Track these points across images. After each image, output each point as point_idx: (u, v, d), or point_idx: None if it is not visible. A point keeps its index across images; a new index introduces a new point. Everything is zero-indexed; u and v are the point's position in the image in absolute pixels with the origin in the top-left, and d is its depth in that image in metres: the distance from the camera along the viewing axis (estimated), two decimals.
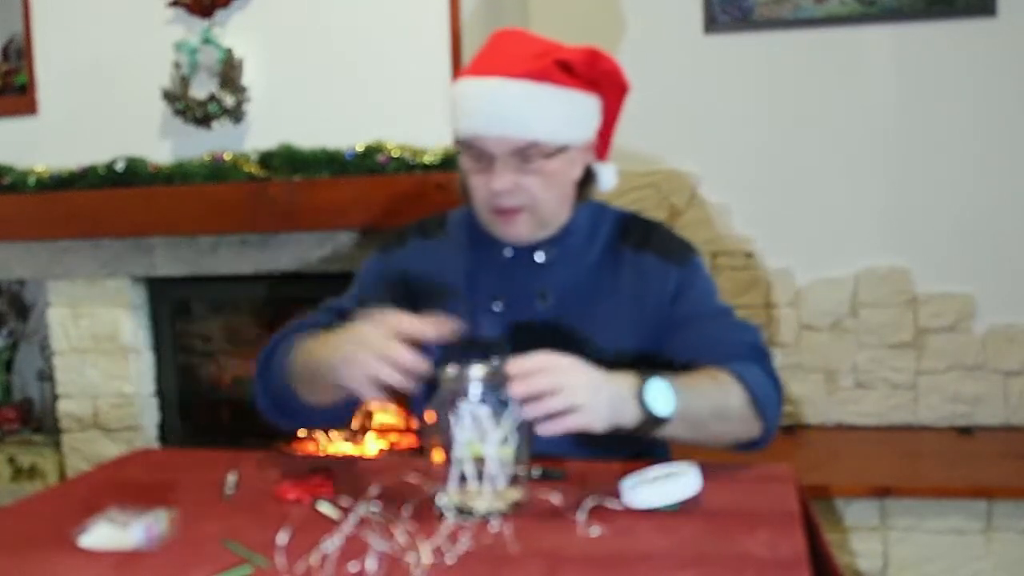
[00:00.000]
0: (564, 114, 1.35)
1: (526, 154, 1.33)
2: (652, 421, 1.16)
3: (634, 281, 1.42)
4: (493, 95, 1.33)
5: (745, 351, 1.36)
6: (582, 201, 1.45)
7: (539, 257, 1.42)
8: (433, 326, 1.15)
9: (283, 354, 1.36)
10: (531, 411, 1.08)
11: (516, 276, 1.42)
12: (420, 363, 1.12)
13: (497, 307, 1.41)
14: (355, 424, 2.80)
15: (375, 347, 1.13)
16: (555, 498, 1.13)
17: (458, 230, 1.50)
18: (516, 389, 1.08)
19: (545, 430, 1.09)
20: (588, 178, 1.44)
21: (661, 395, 1.16)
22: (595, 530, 1.04)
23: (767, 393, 1.32)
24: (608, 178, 1.46)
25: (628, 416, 1.15)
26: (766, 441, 1.37)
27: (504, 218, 1.38)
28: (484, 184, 1.36)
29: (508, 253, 1.43)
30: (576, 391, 1.09)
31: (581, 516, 1.07)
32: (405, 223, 1.58)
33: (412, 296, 1.43)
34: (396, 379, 1.12)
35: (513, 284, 1.42)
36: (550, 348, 1.36)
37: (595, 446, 1.38)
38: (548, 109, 1.33)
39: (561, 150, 1.35)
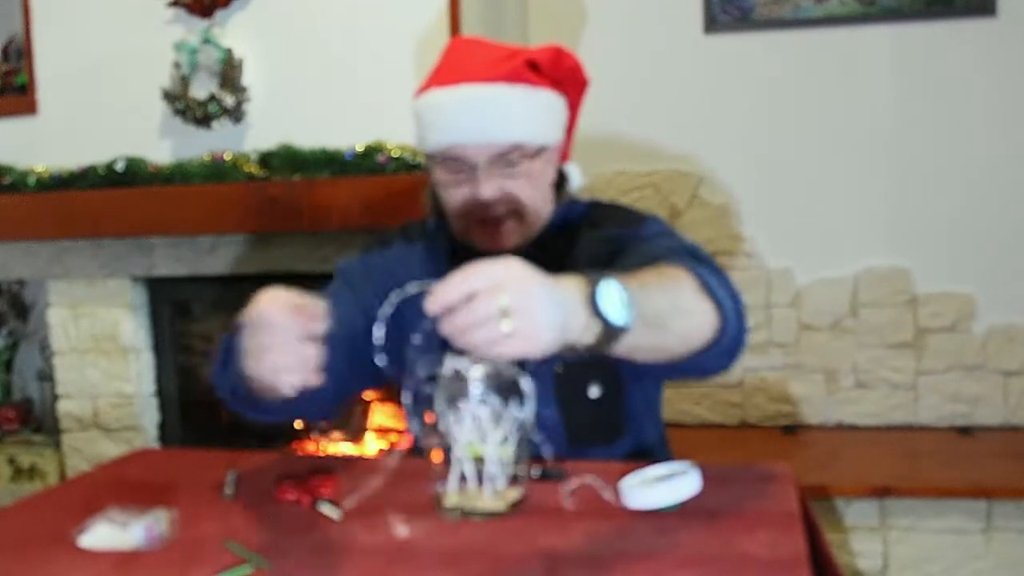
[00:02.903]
0: (540, 114, 1.34)
1: (509, 158, 1.32)
2: (610, 333, 0.98)
3: (601, 258, 1.36)
4: (470, 102, 1.31)
5: (681, 253, 1.26)
6: (559, 204, 1.44)
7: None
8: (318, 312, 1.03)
9: (231, 356, 1.25)
10: (463, 344, 0.91)
11: None
12: (311, 358, 1.02)
13: None
14: (348, 419, 2.80)
15: (274, 347, 1.02)
16: (554, 499, 1.13)
17: (437, 236, 1.48)
18: (444, 327, 0.91)
19: (483, 356, 0.93)
20: (561, 180, 1.44)
21: (615, 297, 0.98)
22: (595, 530, 1.04)
23: (716, 282, 1.19)
24: (576, 178, 1.46)
25: (578, 328, 0.95)
26: (731, 341, 1.22)
27: (490, 230, 1.35)
28: (468, 195, 1.33)
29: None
30: (525, 314, 0.89)
31: (579, 516, 1.07)
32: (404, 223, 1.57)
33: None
34: (288, 362, 1.01)
35: None
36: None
37: (593, 443, 1.38)
38: (526, 110, 1.32)
39: (542, 150, 1.35)
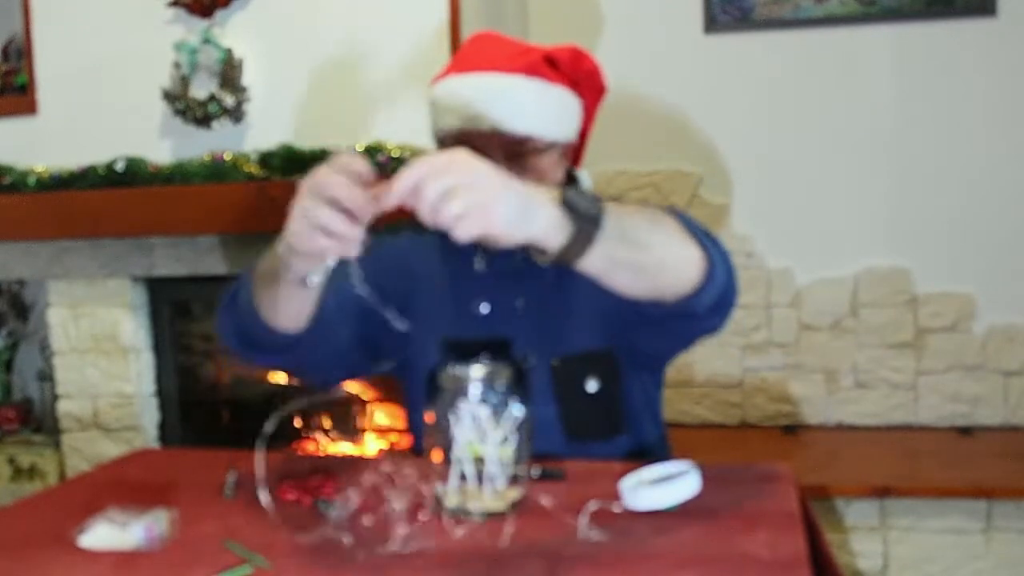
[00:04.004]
0: (553, 110, 1.34)
1: (518, 151, 1.32)
2: (584, 227, 0.97)
3: None
4: (485, 90, 1.32)
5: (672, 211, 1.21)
6: None
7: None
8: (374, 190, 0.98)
9: (246, 276, 1.24)
10: (429, 219, 0.92)
11: (499, 279, 1.40)
12: (362, 201, 0.96)
13: (485, 309, 1.40)
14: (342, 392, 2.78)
15: (317, 189, 0.98)
16: (554, 498, 1.13)
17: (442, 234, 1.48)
18: (408, 200, 0.92)
19: (455, 235, 0.92)
20: (569, 182, 1.44)
21: (588, 196, 0.98)
22: (595, 531, 1.04)
23: (699, 230, 1.17)
24: (586, 183, 1.46)
25: (547, 225, 0.95)
26: (721, 288, 1.18)
27: None
28: None
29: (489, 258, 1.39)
30: (473, 189, 0.90)
31: (581, 517, 1.07)
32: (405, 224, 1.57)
33: (401, 286, 1.42)
34: (337, 223, 0.96)
35: (497, 286, 1.41)
36: (537, 348, 1.36)
37: (591, 439, 1.38)
38: (540, 104, 1.32)
39: (551, 146, 1.35)
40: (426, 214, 0.91)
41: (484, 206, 0.91)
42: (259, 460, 1.15)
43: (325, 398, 2.78)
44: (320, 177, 0.98)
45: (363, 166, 0.99)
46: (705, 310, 1.17)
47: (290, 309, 1.17)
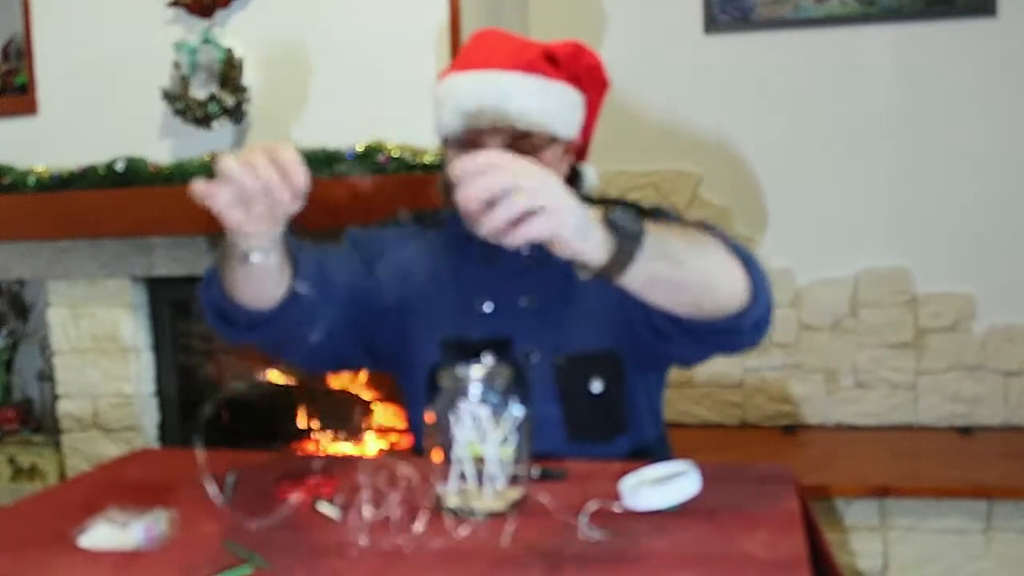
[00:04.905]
0: (554, 106, 1.35)
1: (519, 147, 1.32)
2: (626, 246, 1.00)
3: None
4: (485, 87, 1.33)
5: (711, 229, 1.23)
6: None
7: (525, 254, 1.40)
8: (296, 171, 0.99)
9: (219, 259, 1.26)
10: (489, 221, 0.91)
11: (503, 276, 1.40)
12: (290, 157, 0.97)
13: (488, 307, 1.40)
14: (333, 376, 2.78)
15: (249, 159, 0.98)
16: (554, 498, 1.13)
17: (452, 227, 1.49)
18: (466, 194, 0.91)
19: (509, 239, 0.92)
20: (573, 179, 1.44)
21: (630, 217, 1.01)
22: (595, 531, 1.04)
23: (740, 248, 1.19)
24: (591, 178, 1.46)
25: (595, 241, 0.98)
26: (758, 312, 1.19)
27: None
28: None
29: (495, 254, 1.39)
30: (538, 191, 0.92)
31: (581, 517, 1.07)
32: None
33: (401, 278, 1.42)
34: (266, 173, 0.96)
35: (500, 285, 1.41)
36: (541, 347, 1.36)
37: (593, 440, 1.38)
38: (540, 100, 1.33)
39: (553, 141, 1.35)
40: (482, 205, 0.90)
41: (558, 210, 0.93)
42: (200, 455, 1.14)
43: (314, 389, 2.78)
44: (253, 152, 0.99)
45: (287, 153, 0.99)
46: (749, 327, 1.19)
47: (248, 288, 1.18)
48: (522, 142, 1.33)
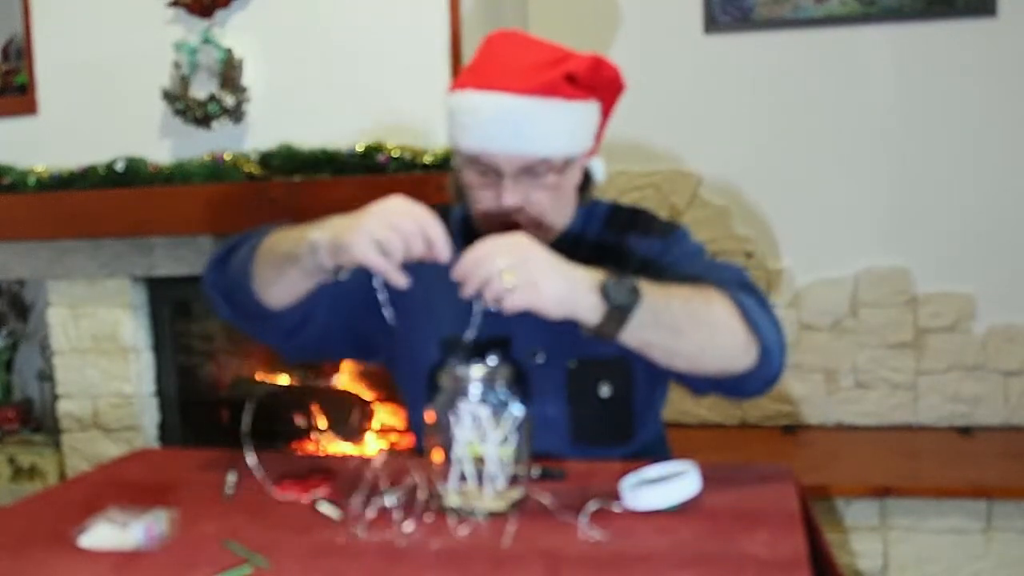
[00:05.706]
0: (571, 127, 1.33)
1: (536, 170, 1.31)
2: (615, 314, 1.11)
3: (622, 266, 1.38)
4: (502, 112, 1.29)
5: (729, 282, 1.26)
6: (583, 205, 1.44)
7: None
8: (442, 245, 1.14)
9: (250, 242, 1.34)
10: (481, 288, 1.09)
11: None
12: (419, 250, 1.12)
13: (493, 306, 1.40)
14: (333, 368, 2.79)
15: (388, 218, 1.13)
16: (554, 498, 1.13)
17: (457, 227, 1.49)
18: (466, 289, 1.10)
19: (501, 309, 1.09)
20: (586, 180, 1.44)
21: (625, 288, 1.11)
22: (595, 531, 1.04)
23: (758, 313, 1.22)
24: (599, 171, 1.46)
25: (586, 306, 1.10)
26: (768, 373, 1.24)
27: (509, 232, 1.36)
28: (492, 199, 1.34)
29: None
30: (521, 269, 1.07)
31: (581, 517, 1.07)
32: None
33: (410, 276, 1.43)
34: (395, 251, 1.12)
35: None
36: (551, 349, 1.36)
37: (598, 444, 1.38)
38: (557, 125, 1.31)
39: (569, 162, 1.34)
40: (480, 283, 1.08)
41: (534, 284, 1.07)
42: (250, 457, 1.15)
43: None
44: (396, 207, 1.14)
45: (436, 229, 1.13)
46: (753, 385, 1.26)
47: (289, 290, 1.26)
48: (539, 167, 1.31)
